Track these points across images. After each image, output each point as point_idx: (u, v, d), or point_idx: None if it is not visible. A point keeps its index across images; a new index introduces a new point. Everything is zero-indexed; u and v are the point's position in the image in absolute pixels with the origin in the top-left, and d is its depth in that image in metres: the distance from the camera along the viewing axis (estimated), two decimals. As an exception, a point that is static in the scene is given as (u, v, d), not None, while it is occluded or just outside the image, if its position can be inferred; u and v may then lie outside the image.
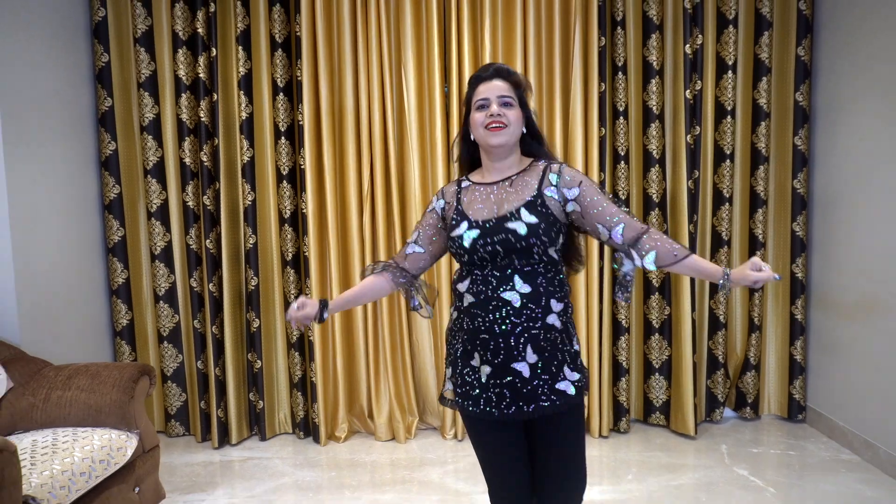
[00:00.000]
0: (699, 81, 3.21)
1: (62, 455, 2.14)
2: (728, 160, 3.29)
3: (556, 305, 1.60)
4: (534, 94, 3.16)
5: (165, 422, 3.47)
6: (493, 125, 1.61)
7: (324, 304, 1.72)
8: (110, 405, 2.43)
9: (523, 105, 1.68)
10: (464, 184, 1.75)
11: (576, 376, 1.63)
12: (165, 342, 3.38)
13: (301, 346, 3.37)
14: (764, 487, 2.73)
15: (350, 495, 2.78)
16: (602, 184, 3.20)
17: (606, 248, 3.26)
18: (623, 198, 3.25)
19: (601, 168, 3.19)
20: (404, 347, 3.36)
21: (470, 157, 1.77)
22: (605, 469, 2.99)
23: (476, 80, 1.69)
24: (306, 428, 3.40)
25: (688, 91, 3.17)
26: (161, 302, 3.36)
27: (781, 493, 2.68)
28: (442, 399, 1.76)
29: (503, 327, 1.57)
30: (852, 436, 3.04)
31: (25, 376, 2.51)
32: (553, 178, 1.64)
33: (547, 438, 1.64)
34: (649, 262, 1.56)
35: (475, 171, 1.77)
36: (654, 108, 3.20)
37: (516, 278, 1.58)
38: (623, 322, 3.30)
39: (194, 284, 3.32)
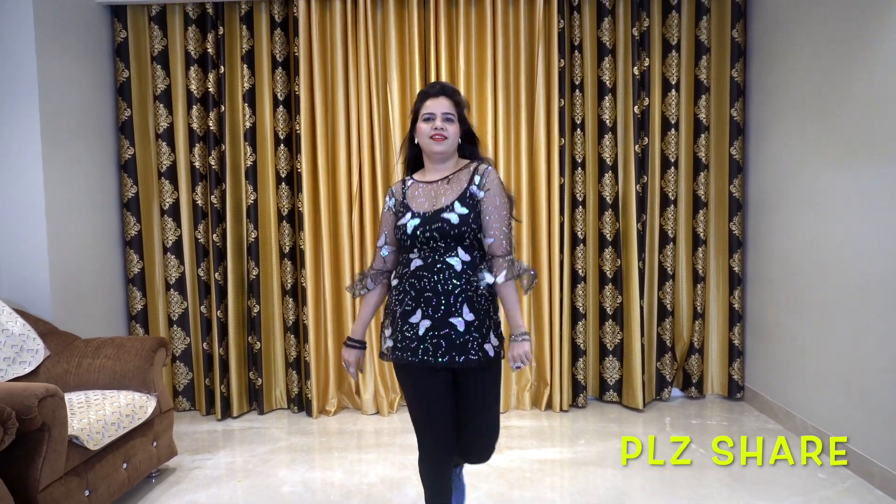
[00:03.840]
0: (647, 98, 3.67)
1: (96, 408, 2.55)
2: (673, 167, 3.75)
3: (488, 277, 1.92)
4: (502, 109, 3.61)
5: (173, 398, 3.86)
6: (436, 136, 1.95)
7: (361, 346, 2.11)
8: (133, 371, 2.84)
9: (462, 120, 2.02)
10: (408, 182, 2.07)
11: (496, 342, 1.97)
12: (175, 325, 3.80)
13: (297, 329, 3.79)
14: (695, 448, 3.16)
15: (338, 455, 3.20)
16: (562, 187, 3.64)
17: (566, 245, 3.71)
18: (580, 200, 3.70)
19: (561, 173, 3.63)
20: (388, 331, 3.78)
21: (413, 156, 2.10)
22: (564, 437, 3.41)
23: (424, 96, 2.01)
24: (300, 403, 3.81)
25: (636, 107, 3.63)
26: (171, 290, 3.78)
27: (708, 452, 3.11)
28: (382, 355, 2.05)
29: (447, 287, 1.90)
30: (777, 408, 3.48)
31: (59, 347, 2.92)
32: (477, 178, 1.97)
33: (471, 387, 1.97)
34: (491, 280, 1.92)
35: (418, 171, 2.10)
36: (608, 121, 3.66)
37: (459, 249, 1.92)
38: (580, 309, 3.74)
39: (202, 274, 3.73)
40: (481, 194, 1.94)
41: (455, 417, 1.98)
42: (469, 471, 2.62)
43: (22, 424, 2.05)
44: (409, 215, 1.97)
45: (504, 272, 1.91)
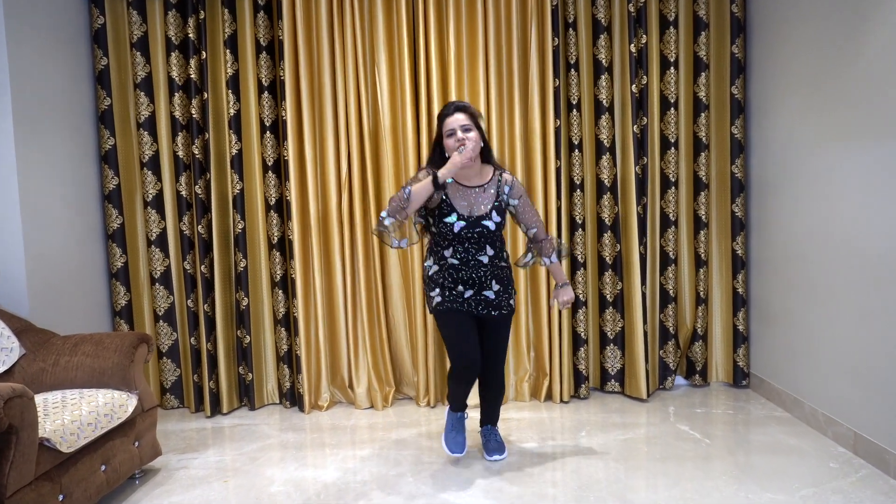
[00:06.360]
0: (644, 77, 3.53)
1: (71, 409, 2.43)
2: (673, 148, 3.62)
3: (504, 256, 2.75)
4: (494, 91, 3.49)
5: (161, 395, 3.75)
6: (461, 146, 2.50)
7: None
8: (113, 368, 2.71)
9: (478, 127, 2.57)
10: (449, 180, 2.53)
11: (513, 298, 2.79)
12: (161, 321, 3.68)
13: (287, 321, 3.67)
14: (700, 439, 3.05)
15: (331, 452, 3.08)
16: (558, 170, 3.52)
17: (564, 230, 3.59)
18: (578, 183, 3.57)
19: (557, 156, 3.50)
20: (381, 323, 3.67)
21: (438, 161, 2.63)
22: (564, 429, 3.29)
23: (443, 117, 2.59)
24: (292, 398, 3.70)
25: (634, 85, 3.50)
26: (157, 284, 3.65)
27: (714, 442, 3.00)
28: (434, 311, 2.70)
29: (479, 274, 2.67)
30: (785, 395, 3.36)
31: (36, 344, 2.80)
32: (506, 188, 2.67)
33: (494, 330, 2.75)
34: (550, 262, 2.79)
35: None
36: (605, 101, 3.53)
37: (487, 247, 2.66)
38: (581, 296, 3.62)
39: (187, 267, 3.61)
40: (515, 202, 2.68)
41: (480, 348, 2.68)
42: (466, 464, 2.52)
43: (-13, 426, 1.93)
44: (454, 216, 2.59)
45: (554, 253, 2.77)
